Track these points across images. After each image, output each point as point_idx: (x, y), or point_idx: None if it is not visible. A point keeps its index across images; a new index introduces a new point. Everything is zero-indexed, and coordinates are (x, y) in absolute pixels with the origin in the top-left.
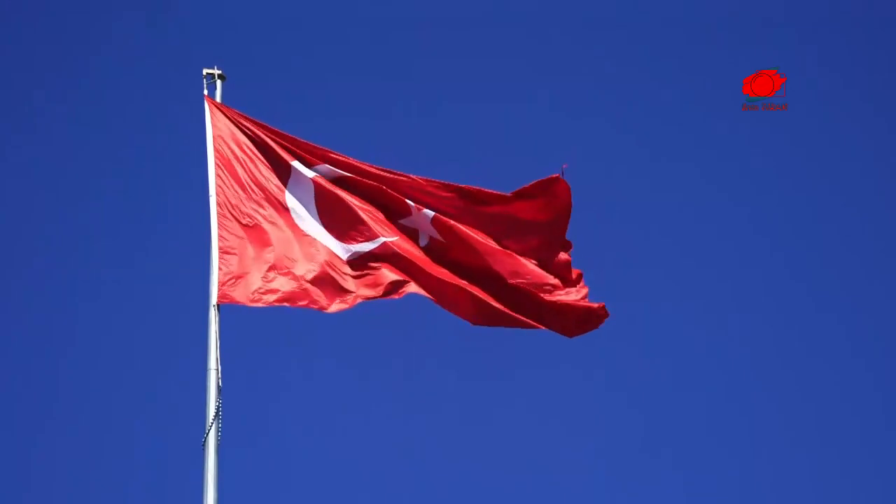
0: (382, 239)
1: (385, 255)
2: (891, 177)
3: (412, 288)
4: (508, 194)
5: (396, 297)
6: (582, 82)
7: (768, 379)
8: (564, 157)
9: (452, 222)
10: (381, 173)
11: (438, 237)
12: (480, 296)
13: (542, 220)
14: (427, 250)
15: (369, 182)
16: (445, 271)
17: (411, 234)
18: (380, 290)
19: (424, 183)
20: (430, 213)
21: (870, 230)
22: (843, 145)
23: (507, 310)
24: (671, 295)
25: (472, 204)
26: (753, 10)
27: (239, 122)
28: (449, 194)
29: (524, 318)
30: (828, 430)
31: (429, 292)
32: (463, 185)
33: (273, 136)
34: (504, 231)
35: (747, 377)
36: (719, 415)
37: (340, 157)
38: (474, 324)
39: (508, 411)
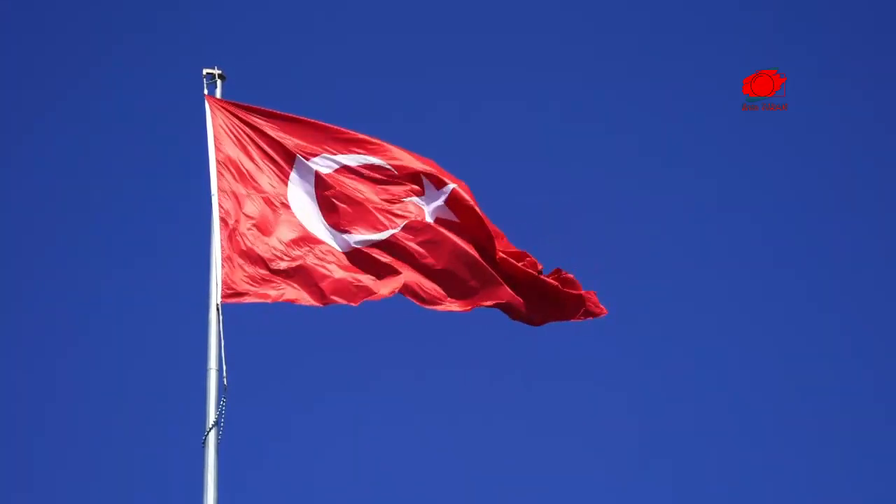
0: (389, 231)
1: (390, 248)
2: (891, 177)
3: (408, 282)
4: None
5: (389, 295)
6: (581, 82)
7: (768, 380)
8: (564, 157)
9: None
10: (392, 154)
11: (450, 216)
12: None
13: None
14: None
15: (373, 174)
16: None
17: (417, 214)
18: (379, 289)
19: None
20: (448, 190)
21: (870, 230)
22: (843, 145)
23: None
24: (671, 296)
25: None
26: (753, 10)
27: (241, 115)
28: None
29: (521, 300)
30: (827, 432)
31: (424, 288)
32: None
33: (277, 126)
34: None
35: (748, 377)
36: (718, 416)
37: (351, 138)
38: (468, 309)
39: (508, 413)
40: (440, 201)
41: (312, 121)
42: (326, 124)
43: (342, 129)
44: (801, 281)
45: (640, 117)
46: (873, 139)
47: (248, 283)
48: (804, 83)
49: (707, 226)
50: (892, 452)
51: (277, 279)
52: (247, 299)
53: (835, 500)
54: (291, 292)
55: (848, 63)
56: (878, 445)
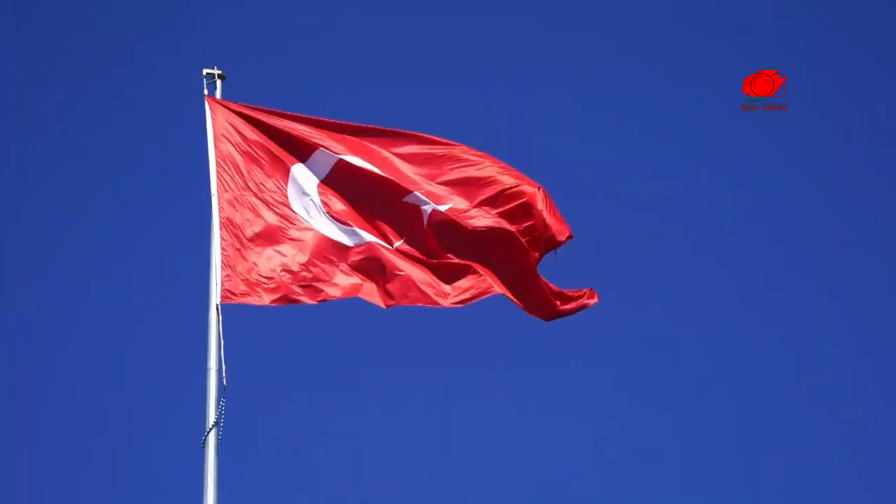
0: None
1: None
2: (891, 177)
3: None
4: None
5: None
6: (581, 82)
7: (770, 376)
8: (565, 156)
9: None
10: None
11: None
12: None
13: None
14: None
15: (375, 173)
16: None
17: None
18: (375, 290)
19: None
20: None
21: (870, 230)
22: (843, 145)
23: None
24: (672, 294)
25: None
26: (753, 10)
27: (241, 114)
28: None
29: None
30: (836, 428)
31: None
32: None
33: (278, 124)
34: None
35: (749, 374)
36: (723, 413)
37: (356, 135)
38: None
39: (511, 410)
40: (441, 211)
41: (315, 118)
42: (330, 120)
43: (345, 122)
44: (800, 280)
45: (640, 117)
46: (873, 139)
47: (247, 282)
48: (804, 83)
49: (707, 225)
50: None
51: (278, 278)
52: (246, 300)
53: (843, 497)
54: (292, 293)
55: (848, 63)
56: (883, 443)
